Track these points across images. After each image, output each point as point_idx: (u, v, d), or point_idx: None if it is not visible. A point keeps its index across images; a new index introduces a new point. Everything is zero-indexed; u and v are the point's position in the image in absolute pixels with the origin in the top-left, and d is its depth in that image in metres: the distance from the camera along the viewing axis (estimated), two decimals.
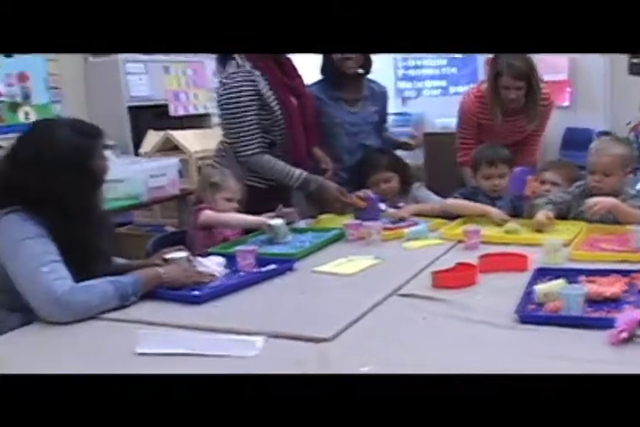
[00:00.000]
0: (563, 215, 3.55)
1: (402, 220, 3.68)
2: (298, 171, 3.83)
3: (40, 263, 2.42)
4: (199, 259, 2.93)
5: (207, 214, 3.46)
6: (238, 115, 3.76)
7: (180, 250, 2.92)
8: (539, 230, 3.34)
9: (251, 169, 3.85)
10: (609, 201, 3.30)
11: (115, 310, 2.50)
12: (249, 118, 3.76)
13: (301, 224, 3.73)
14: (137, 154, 6.27)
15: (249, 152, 3.80)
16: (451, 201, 3.80)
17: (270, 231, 3.38)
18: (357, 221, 3.53)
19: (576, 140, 7.61)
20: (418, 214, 3.82)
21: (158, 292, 2.64)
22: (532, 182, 3.61)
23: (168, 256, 2.84)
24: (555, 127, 7.54)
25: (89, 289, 2.46)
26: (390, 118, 5.74)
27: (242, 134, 3.78)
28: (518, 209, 3.67)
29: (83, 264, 2.52)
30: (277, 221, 3.39)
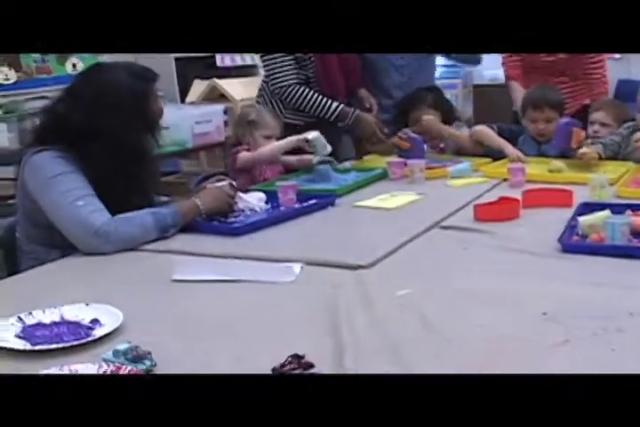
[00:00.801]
0: (614, 157, 3.47)
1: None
2: (335, 103, 3.79)
3: (75, 198, 2.40)
4: (240, 194, 2.90)
5: (244, 156, 3.42)
6: None
7: (220, 180, 2.88)
8: (585, 168, 3.27)
9: (287, 103, 3.82)
10: None
11: (154, 241, 2.48)
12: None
13: (345, 165, 3.68)
14: (183, 102, 6.25)
15: (285, 83, 3.76)
16: (480, 127, 3.77)
17: (308, 146, 3.35)
18: (401, 160, 3.47)
19: (629, 92, 7.40)
20: (459, 152, 3.77)
21: (197, 224, 2.62)
22: (579, 133, 3.49)
23: (209, 185, 2.82)
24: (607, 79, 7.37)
25: (128, 220, 2.44)
26: (439, 71, 5.66)
27: (278, 65, 3.74)
28: (566, 152, 3.58)
29: (124, 204, 2.51)
30: (314, 134, 3.34)
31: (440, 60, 6.46)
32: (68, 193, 2.41)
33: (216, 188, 2.78)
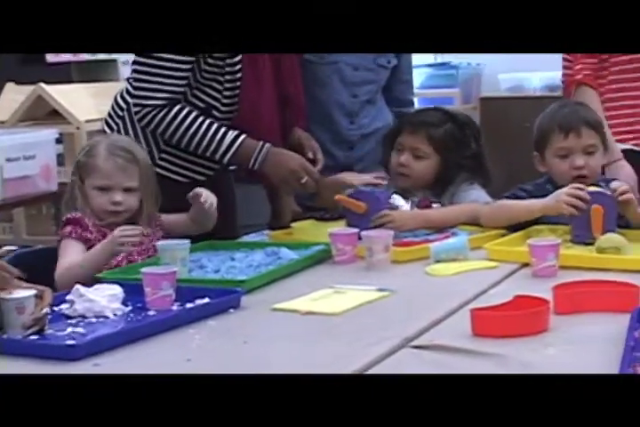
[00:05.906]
0: None
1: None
2: (231, 132, 3.78)
3: None
4: (81, 289, 2.88)
5: (61, 269, 3.38)
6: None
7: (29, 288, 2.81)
8: None
9: (154, 138, 3.84)
10: None
11: None
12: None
13: (261, 237, 3.69)
14: None
15: (155, 101, 3.74)
16: (488, 210, 3.82)
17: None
18: (351, 230, 3.50)
19: None
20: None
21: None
22: (598, 212, 3.48)
23: (4, 296, 2.75)
24: None
25: None
26: (423, 73, 5.71)
27: (156, 72, 3.74)
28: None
29: None
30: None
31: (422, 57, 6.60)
32: None
33: (13, 303, 2.72)
